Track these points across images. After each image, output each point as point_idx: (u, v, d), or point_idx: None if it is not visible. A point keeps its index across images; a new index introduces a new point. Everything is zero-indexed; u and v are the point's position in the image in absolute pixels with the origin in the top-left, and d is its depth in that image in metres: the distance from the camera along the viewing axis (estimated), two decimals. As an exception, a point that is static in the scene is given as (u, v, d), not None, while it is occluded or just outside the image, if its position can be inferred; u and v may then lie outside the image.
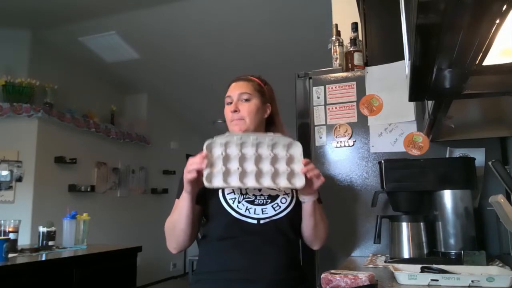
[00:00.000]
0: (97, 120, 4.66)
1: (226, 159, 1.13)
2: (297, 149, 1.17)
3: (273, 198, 1.24)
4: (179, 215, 1.19)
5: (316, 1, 3.23)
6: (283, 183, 1.13)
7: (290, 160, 1.15)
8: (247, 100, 1.32)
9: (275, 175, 1.13)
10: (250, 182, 1.13)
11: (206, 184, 1.10)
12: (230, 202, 1.21)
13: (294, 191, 1.27)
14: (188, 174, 1.11)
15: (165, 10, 3.72)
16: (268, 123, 1.39)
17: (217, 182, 1.11)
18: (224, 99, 1.36)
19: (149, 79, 5.20)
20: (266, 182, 1.13)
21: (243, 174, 1.13)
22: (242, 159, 1.14)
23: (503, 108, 1.13)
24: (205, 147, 1.13)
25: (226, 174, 1.12)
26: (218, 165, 1.12)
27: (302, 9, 3.57)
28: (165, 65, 4.76)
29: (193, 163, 1.12)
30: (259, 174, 1.13)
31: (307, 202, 1.22)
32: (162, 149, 5.99)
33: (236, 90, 1.33)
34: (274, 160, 1.15)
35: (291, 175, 1.14)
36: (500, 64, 0.72)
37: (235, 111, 1.30)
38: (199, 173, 1.11)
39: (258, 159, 1.15)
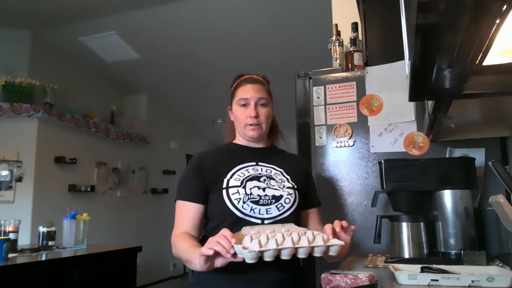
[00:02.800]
0: (97, 120, 4.66)
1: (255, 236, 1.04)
2: (335, 247, 1.06)
3: (277, 198, 1.23)
4: (189, 264, 1.14)
5: (316, 1, 3.23)
6: (320, 242, 1.03)
7: (310, 241, 1.05)
8: (264, 105, 1.30)
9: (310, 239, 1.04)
10: (288, 243, 1.01)
11: (246, 256, 0.97)
12: (235, 202, 1.20)
13: (296, 192, 1.26)
14: (207, 250, 0.99)
15: (165, 10, 3.72)
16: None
17: (255, 246, 0.99)
18: (236, 99, 1.32)
19: (149, 79, 5.20)
20: (304, 242, 1.03)
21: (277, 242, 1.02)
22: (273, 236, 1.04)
23: (503, 108, 1.13)
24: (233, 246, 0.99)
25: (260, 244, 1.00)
26: (247, 242, 1.01)
27: (302, 9, 3.58)
28: (165, 65, 4.76)
29: (215, 240, 1.00)
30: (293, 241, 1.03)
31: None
32: (162, 149, 5.99)
33: (255, 94, 1.30)
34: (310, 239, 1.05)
35: (325, 241, 1.05)
36: (500, 64, 0.72)
37: (256, 116, 1.28)
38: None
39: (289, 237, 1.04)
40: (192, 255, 1.10)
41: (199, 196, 1.21)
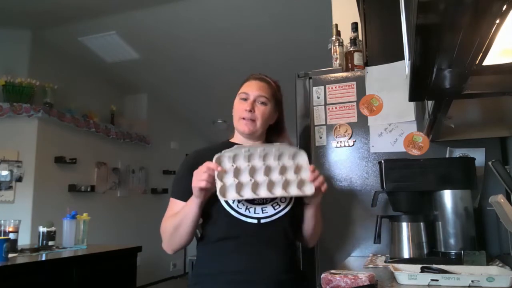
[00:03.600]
0: (97, 120, 4.66)
1: (237, 171, 1.16)
2: (303, 158, 1.20)
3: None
4: (185, 219, 1.18)
5: (316, 1, 3.23)
6: (294, 191, 1.17)
7: (297, 169, 1.19)
8: (263, 103, 1.31)
9: (285, 184, 1.17)
10: (263, 193, 1.16)
11: (220, 197, 1.12)
12: (230, 201, 1.21)
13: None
14: (200, 182, 1.11)
15: (165, 10, 3.72)
16: (271, 128, 1.39)
17: (231, 194, 1.14)
18: (238, 93, 1.34)
19: (149, 79, 5.20)
20: (278, 191, 1.16)
21: (255, 185, 1.16)
22: (252, 170, 1.17)
23: (503, 108, 1.13)
24: (214, 160, 1.15)
25: (239, 186, 1.15)
26: (230, 178, 1.15)
27: (302, 9, 3.58)
28: (165, 65, 4.76)
29: (202, 172, 1.12)
30: (270, 184, 1.16)
31: (311, 205, 1.23)
32: (162, 149, 5.99)
33: (256, 90, 1.31)
34: (282, 170, 1.18)
35: (300, 183, 1.17)
36: (500, 64, 0.72)
37: (250, 110, 1.29)
38: (209, 181, 1.12)
39: (267, 170, 1.18)
40: (186, 205, 1.20)
41: (190, 195, 1.20)
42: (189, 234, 1.21)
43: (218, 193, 1.11)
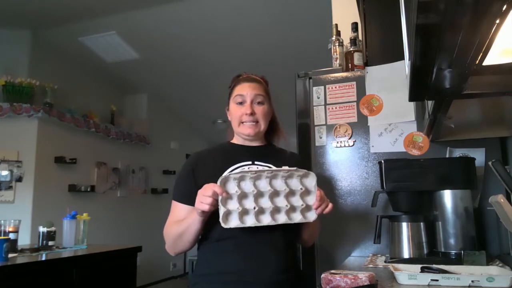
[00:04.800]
0: (97, 120, 4.66)
1: (241, 196, 1.13)
2: (311, 181, 1.17)
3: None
4: (188, 230, 1.18)
5: (316, 1, 3.23)
6: (297, 218, 1.15)
7: (304, 193, 1.16)
8: (261, 103, 1.30)
9: (290, 210, 1.15)
10: (266, 220, 1.14)
11: (222, 224, 1.10)
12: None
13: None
14: (203, 205, 1.10)
15: (165, 10, 3.72)
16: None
17: (234, 222, 1.12)
18: (232, 97, 1.33)
19: (149, 79, 5.20)
20: (281, 218, 1.14)
21: (259, 212, 1.14)
22: (257, 194, 1.14)
23: (503, 108, 1.13)
24: (219, 182, 1.12)
25: (243, 213, 1.13)
26: (234, 204, 1.12)
27: (302, 9, 3.57)
28: (165, 65, 4.76)
29: (207, 196, 1.10)
30: (274, 211, 1.14)
31: None
32: (162, 149, 5.99)
33: (251, 91, 1.30)
34: (289, 194, 1.15)
35: (305, 209, 1.15)
36: (500, 64, 0.72)
37: (251, 113, 1.28)
38: (213, 205, 1.11)
39: (273, 194, 1.15)
40: (189, 217, 1.18)
41: (191, 197, 1.19)
42: (191, 243, 1.22)
43: (221, 219, 1.10)
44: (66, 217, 2.51)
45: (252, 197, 1.13)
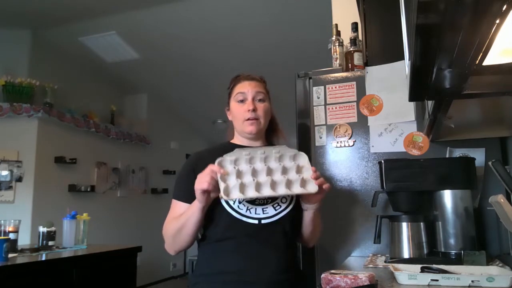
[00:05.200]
0: (97, 120, 4.66)
1: (239, 173, 1.16)
2: (303, 159, 1.21)
3: (273, 198, 1.23)
4: (187, 223, 1.18)
5: (316, 1, 3.23)
6: (297, 189, 1.16)
7: (298, 169, 1.19)
8: (262, 100, 1.31)
9: (288, 183, 1.16)
10: (266, 191, 1.15)
11: (224, 197, 1.11)
12: (231, 202, 1.21)
13: None
14: (203, 183, 1.11)
15: (165, 10, 3.72)
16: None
17: (235, 194, 1.13)
18: (233, 96, 1.33)
19: (149, 79, 5.20)
20: (281, 190, 1.16)
21: (258, 185, 1.15)
22: (254, 172, 1.17)
23: (503, 108, 1.13)
24: (216, 163, 1.15)
25: (242, 187, 1.14)
26: (232, 180, 1.14)
27: (302, 9, 3.58)
28: (165, 65, 4.76)
29: (205, 174, 1.12)
30: (273, 184, 1.16)
31: (310, 211, 1.23)
32: (162, 149, 5.99)
33: (252, 88, 1.31)
34: (284, 170, 1.18)
35: (303, 182, 1.17)
36: (500, 64, 0.72)
37: (253, 110, 1.28)
38: (212, 184, 1.12)
39: (268, 171, 1.18)
40: (188, 209, 1.19)
41: (191, 196, 1.19)
42: (191, 237, 1.22)
43: (222, 193, 1.11)
44: (66, 217, 2.51)
45: (250, 173, 1.17)
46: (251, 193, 1.14)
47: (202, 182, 1.11)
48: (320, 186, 1.15)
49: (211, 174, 1.12)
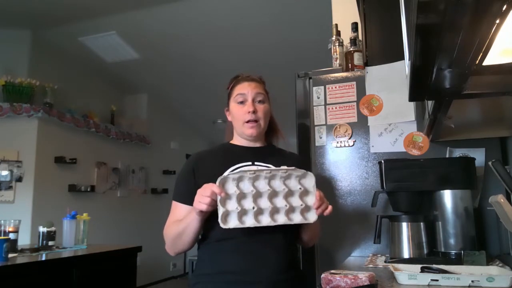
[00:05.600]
0: (97, 120, 4.66)
1: (240, 196, 1.13)
2: (310, 181, 1.16)
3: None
4: (187, 230, 1.18)
5: (316, 1, 3.23)
6: (297, 218, 1.14)
7: (302, 193, 1.15)
8: (261, 101, 1.30)
9: (289, 210, 1.14)
10: (265, 221, 1.13)
11: (221, 224, 1.10)
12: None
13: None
14: (202, 205, 1.10)
15: (165, 10, 3.72)
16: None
17: (233, 222, 1.11)
18: (233, 97, 1.32)
19: (149, 79, 5.20)
20: (281, 219, 1.13)
21: (258, 212, 1.13)
22: (256, 195, 1.13)
23: (503, 108, 1.13)
24: (218, 182, 1.11)
25: (242, 213, 1.12)
26: (232, 204, 1.12)
27: (302, 9, 3.57)
28: (165, 65, 4.76)
29: (205, 195, 1.10)
30: (274, 210, 1.14)
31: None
32: (162, 149, 5.99)
33: (252, 89, 1.30)
34: (288, 194, 1.15)
35: (304, 210, 1.14)
36: (500, 64, 0.72)
37: (253, 112, 1.27)
38: (211, 205, 1.11)
39: (272, 194, 1.14)
40: (188, 216, 1.18)
41: (191, 197, 1.18)
42: (191, 242, 1.22)
43: (220, 219, 1.09)
44: (66, 217, 2.51)
45: (251, 197, 1.13)
46: (249, 222, 1.12)
47: (201, 203, 1.10)
48: (320, 214, 1.14)
49: (211, 196, 1.09)
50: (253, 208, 1.12)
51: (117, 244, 3.03)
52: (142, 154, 5.52)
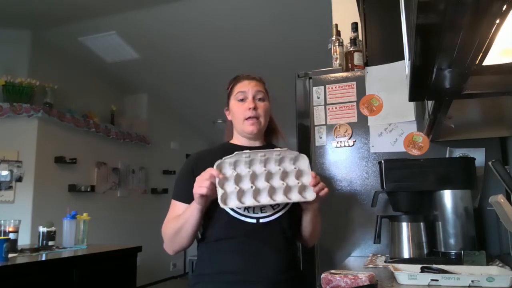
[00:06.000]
0: (97, 120, 4.66)
1: (238, 178, 1.15)
2: (304, 162, 1.19)
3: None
4: (186, 223, 1.18)
5: (316, 1, 3.23)
6: (295, 197, 1.15)
7: (298, 174, 1.17)
8: (262, 99, 1.32)
9: (287, 189, 1.16)
10: (264, 199, 1.15)
11: (221, 205, 1.11)
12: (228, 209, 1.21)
13: None
14: (201, 188, 1.11)
15: (165, 10, 3.72)
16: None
17: (232, 202, 1.13)
18: (233, 95, 1.33)
19: (149, 79, 5.20)
20: (279, 197, 1.15)
21: (256, 192, 1.15)
22: (253, 176, 1.16)
23: (503, 108, 1.13)
24: (215, 166, 1.14)
25: (240, 193, 1.14)
26: (231, 185, 1.13)
27: (302, 9, 3.57)
28: (165, 65, 4.76)
29: (204, 179, 1.11)
30: (271, 190, 1.15)
31: (309, 211, 1.23)
32: (162, 149, 5.99)
33: (252, 87, 1.31)
34: (284, 174, 1.17)
35: (301, 188, 1.16)
36: (500, 64, 0.72)
37: (254, 108, 1.28)
38: (211, 189, 1.11)
39: (268, 176, 1.16)
40: (187, 210, 1.19)
41: (191, 197, 1.19)
42: (190, 237, 1.22)
43: (219, 200, 1.11)
44: (66, 217, 2.51)
45: (248, 178, 1.15)
46: (249, 201, 1.14)
47: (200, 187, 1.11)
48: (317, 193, 1.15)
49: (210, 178, 1.11)
50: (251, 187, 1.14)
51: (117, 244, 3.03)
52: (142, 154, 5.52)
